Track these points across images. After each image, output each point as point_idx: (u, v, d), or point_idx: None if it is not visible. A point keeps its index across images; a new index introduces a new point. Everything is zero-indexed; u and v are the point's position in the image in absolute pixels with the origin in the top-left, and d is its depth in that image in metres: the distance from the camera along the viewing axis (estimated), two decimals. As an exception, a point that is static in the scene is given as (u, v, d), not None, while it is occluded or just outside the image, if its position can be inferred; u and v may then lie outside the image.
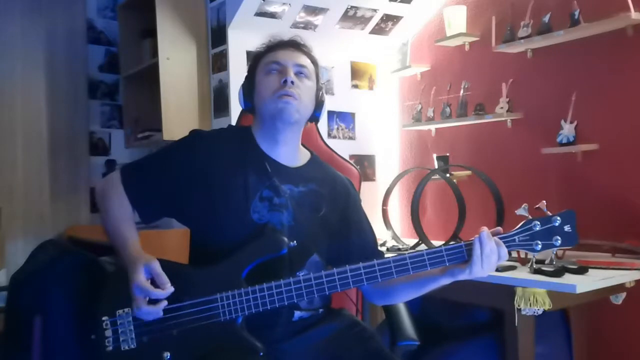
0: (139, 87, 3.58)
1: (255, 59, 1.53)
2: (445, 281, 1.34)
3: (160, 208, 1.46)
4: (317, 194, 1.48)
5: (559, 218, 1.30)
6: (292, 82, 1.43)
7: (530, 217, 1.31)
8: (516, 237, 1.30)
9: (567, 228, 1.30)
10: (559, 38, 2.49)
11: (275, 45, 1.50)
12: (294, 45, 1.51)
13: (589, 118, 2.48)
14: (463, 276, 1.29)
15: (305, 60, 1.50)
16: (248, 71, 1.55)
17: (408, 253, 1.30)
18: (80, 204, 3.61)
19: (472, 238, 1.28)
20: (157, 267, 1.29)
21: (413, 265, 1.29)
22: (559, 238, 1.29)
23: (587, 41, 2.47)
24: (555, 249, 1.31)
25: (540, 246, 1.30)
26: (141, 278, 1.27)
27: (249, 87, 1.51)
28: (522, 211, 1.33)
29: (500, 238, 1.29)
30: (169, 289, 1.28)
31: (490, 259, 1.26)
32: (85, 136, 3.67)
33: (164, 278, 1.28)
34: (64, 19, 3.60)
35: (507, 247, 1.29)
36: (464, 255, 1.28)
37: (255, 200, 1.40)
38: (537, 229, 1.30)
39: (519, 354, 1.94)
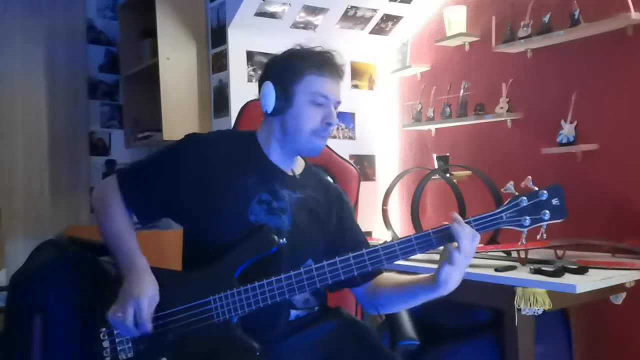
0: (139, 87, 3.58)
1: (298, 67, 1.42)
2: (439, 291, 1.30)
3: (157, 211, 1.46)
4: (315, 200, 1.48)
5: (545, 192, 1.27)
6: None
7: (516, 193, 1.29)
8: (503, 215, 1.27)
9: (554, 201, 1.27)
10: (559, 38, 2.49)
11: (325, 68, 1.43)
12: (338, 71, 1.46)
13: (589, 118, 2.48)
14: (445, 272, 1.25)
15: (341, 93, 1.47)
16: (284, 73, 1.42)
17: (397, 240, 1.29)
18: (80, 204, 3.61)
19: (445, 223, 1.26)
20: (155, 304, 1.30)
21: (402, 251, 1.28)
22: (547, 212, 1.27)
23: (587, 41, 2.47)
24: (545, 223, 1.28)
25: (528, 221, 1.27)
26: (144, 301, 1.27)
27: (283, 95, 1.41)
28: (508, 188, 1.31)
29: (488, 216, 1.27)
30: (148, 328, 1.29)
31: (471, 239, 1.23)
32: (85, 136, 3.67)
33: (150, 317, 1.29)
34: (64, 19, 3.60)
35: (494, 225, 1.27)
36: (450, 234, 1.24)
37: (253, 203, 1.39)
38: (524, 204, 1.27)
39: (519, 354, 1.94)
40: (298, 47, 1.47)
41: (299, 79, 1.41)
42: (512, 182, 1.30)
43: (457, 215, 1.25)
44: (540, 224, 1.28)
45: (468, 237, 1.23)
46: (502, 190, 1.32)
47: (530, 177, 1.30)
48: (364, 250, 1.29)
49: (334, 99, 1.44)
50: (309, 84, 1.41)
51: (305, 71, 1.41)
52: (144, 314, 1.27)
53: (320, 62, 1.43)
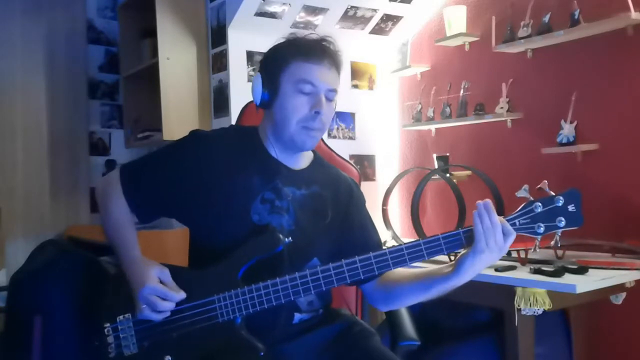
0: (139, 87, 3.58)
1: (282, 55, 1.38)
2: (456, 280, 1.25)
3: (158, 209, 1.45)
4: (320, 197, 1.46)
5: (562, 198, 1.21)
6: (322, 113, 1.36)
7: (531, 198, 1.23)
8: (517, 221, 1.22)
9: (571, 208, 1.20)
10: (559, 38, 2.49)
11: (312, 54, 1.35)
12: (330, 58, 1.37)
13: (589, 118, 2.48)
14: (468, 262, 1.21)
15: (336, 81, 1.39)
16: (270, 63, 1.40)
17: (405, 244, 1.26)
18: (80, 204, 3.61)
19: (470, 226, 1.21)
20: (168, 274, 1.31)
21: (410, 256, 1.24)
22: (563, 219, 1.20)
23: (587, 41, 2.47)
24: (560, 230, 1.22)
25: (543, 228, 1.21)
26: (154, 281, 1.28)
27: (270, 86, 1.38)
28: (522, 193, 1.23)
29: None
30: (182, 294, 1.29)
31: (494, 234, 1.18)
32: (85, 136, 3.67)
33: (175, 285, 1.30)
34: (64, 19, 3.60)
35: None
36: (461, 240, 1.22)
37: (257, 202, 1.38)
38: (539, 210, 1.21)
39: (519, 354, 1.94)
40: (289, 36, 1.42)
41: (285, 67, 1.36)
42: (527, 186, 1.23)
43: (481, 205, 1.20)
44: (555, 231, 1.22)
45: (490, 228, 1.18)
46: (516, 194, 1.23)
47: (546, 181, 1.23)
48: (371, 254, 1.26)
49: (324, 86, 1.36)
50: (294, 72, 1.35)
51: (290, 58, 1.36)
52: (161, 289, 1.28)
53: (307, 48, 1.36)
